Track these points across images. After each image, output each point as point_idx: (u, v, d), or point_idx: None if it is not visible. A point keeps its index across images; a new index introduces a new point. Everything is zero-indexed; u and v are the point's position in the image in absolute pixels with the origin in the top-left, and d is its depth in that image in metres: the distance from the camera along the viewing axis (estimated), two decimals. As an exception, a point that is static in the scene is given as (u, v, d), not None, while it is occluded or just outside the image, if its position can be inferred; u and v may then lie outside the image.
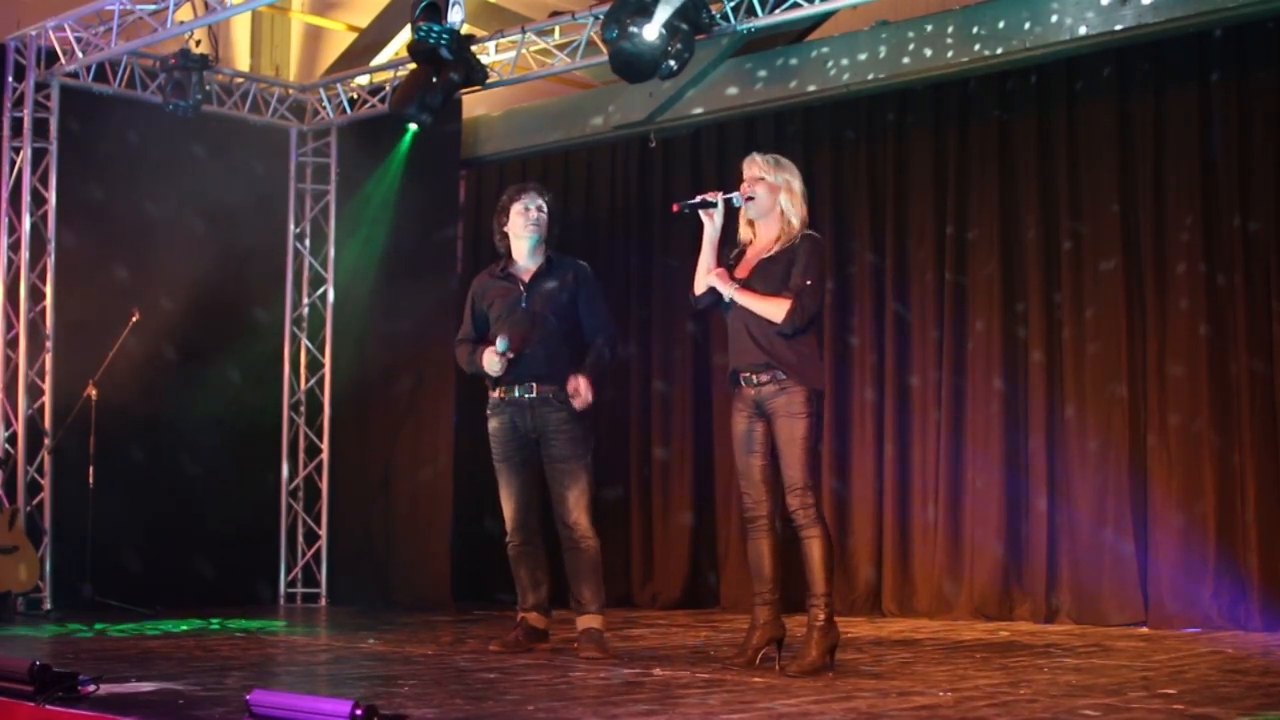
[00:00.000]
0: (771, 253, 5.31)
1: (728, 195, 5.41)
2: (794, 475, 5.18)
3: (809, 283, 5.19)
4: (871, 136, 8.59)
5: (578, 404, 5.80)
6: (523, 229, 5.96)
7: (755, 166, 5.38)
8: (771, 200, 5.33)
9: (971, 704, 4.31)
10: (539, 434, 5.86)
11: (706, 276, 5.35)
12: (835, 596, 5.29)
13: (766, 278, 5.27)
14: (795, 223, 5.31)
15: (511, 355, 5.79)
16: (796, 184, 5.35)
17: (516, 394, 5.86)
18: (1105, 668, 5.41)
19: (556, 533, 5.94)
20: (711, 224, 5.41)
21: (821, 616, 5.14)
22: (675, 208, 5.61)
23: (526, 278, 5.97)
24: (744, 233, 5.46)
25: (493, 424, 5.96)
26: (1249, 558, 7.04)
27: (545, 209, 5.98)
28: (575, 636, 5.87)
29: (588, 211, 9.67)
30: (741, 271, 5.35)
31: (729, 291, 5.27)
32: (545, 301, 5.91)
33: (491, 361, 5.82)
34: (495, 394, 5.95)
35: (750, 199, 5.35)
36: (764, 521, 5.30)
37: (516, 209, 5.97)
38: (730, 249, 5.49)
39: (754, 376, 5.25)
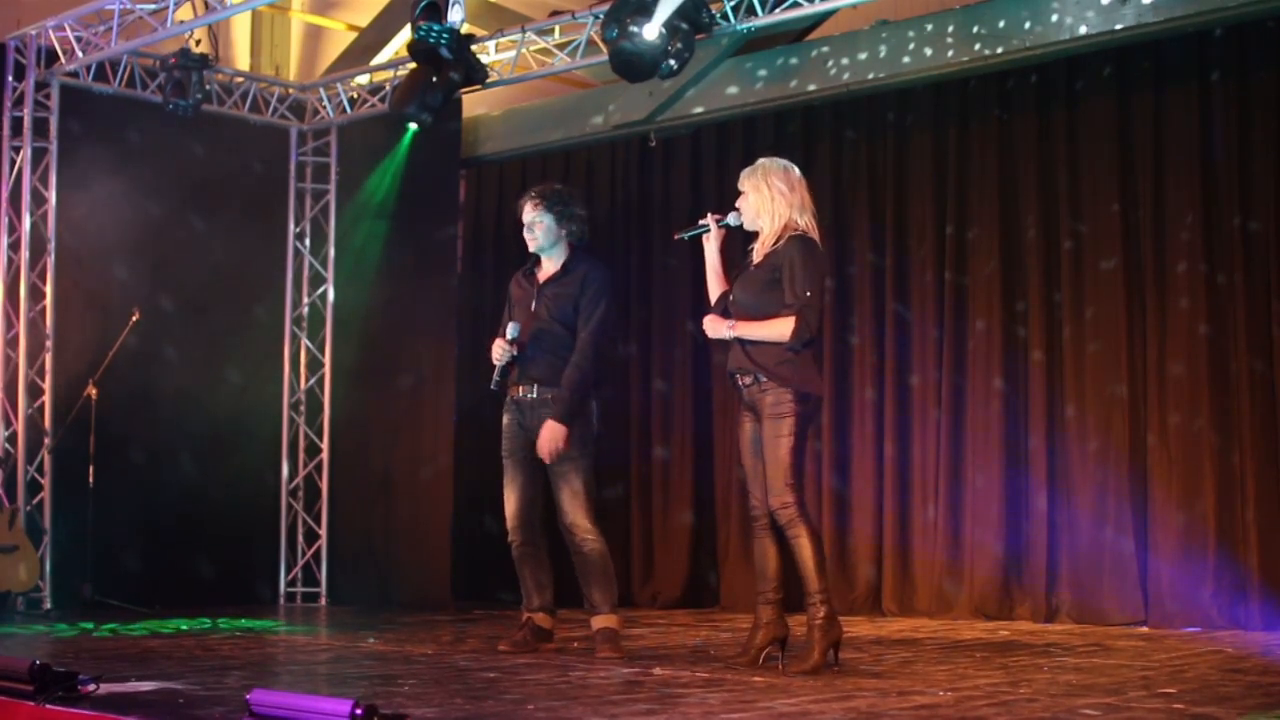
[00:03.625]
0: (757, 260, 5.33)
1: (721, 219, 5.49)
2: (772, 476, 5.20)
3: (808, 294, 5.16)
4: (871, 136, 8.59)
5: (543, 454, 5.78)
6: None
7: (740, 183, 5.44)
8: (751, 207, 5.37)
9: (971, 703, 4.31)
10: (536, 434, 5.87)
11: (707, 323, 5.38)
12: (834, 594, 5.29)
13: (748, 285, 5.30)
14: (766, 222, 5.31)
15: (516, 350, 5.83)
16: (769, 182, 5.31)
17: (520, 393, 5.91)
18: (1105, 667, 5.41)
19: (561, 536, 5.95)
20: (710, 246, 5.51)
21: (820, 614, 5.14)
22: (676, 235, 5.80)
23: (543, 280, 6.01)
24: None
25: (504, 419, 6.01)
26: (1249, 558, 7.05)
27: (538, 222, 5.96)
28: (590, 635, 5.90)
29: (587, 211, 9.62)
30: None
31: (728, 335, 5.28)
32: (553, 305, 5.92)
33: (497, 351, 5.87)
34: (509, 391, 6.00)
35: (741, 214, 5.42)
36: (768, 521, 5.30)
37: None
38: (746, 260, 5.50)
39: (740, 379, 5.31)
